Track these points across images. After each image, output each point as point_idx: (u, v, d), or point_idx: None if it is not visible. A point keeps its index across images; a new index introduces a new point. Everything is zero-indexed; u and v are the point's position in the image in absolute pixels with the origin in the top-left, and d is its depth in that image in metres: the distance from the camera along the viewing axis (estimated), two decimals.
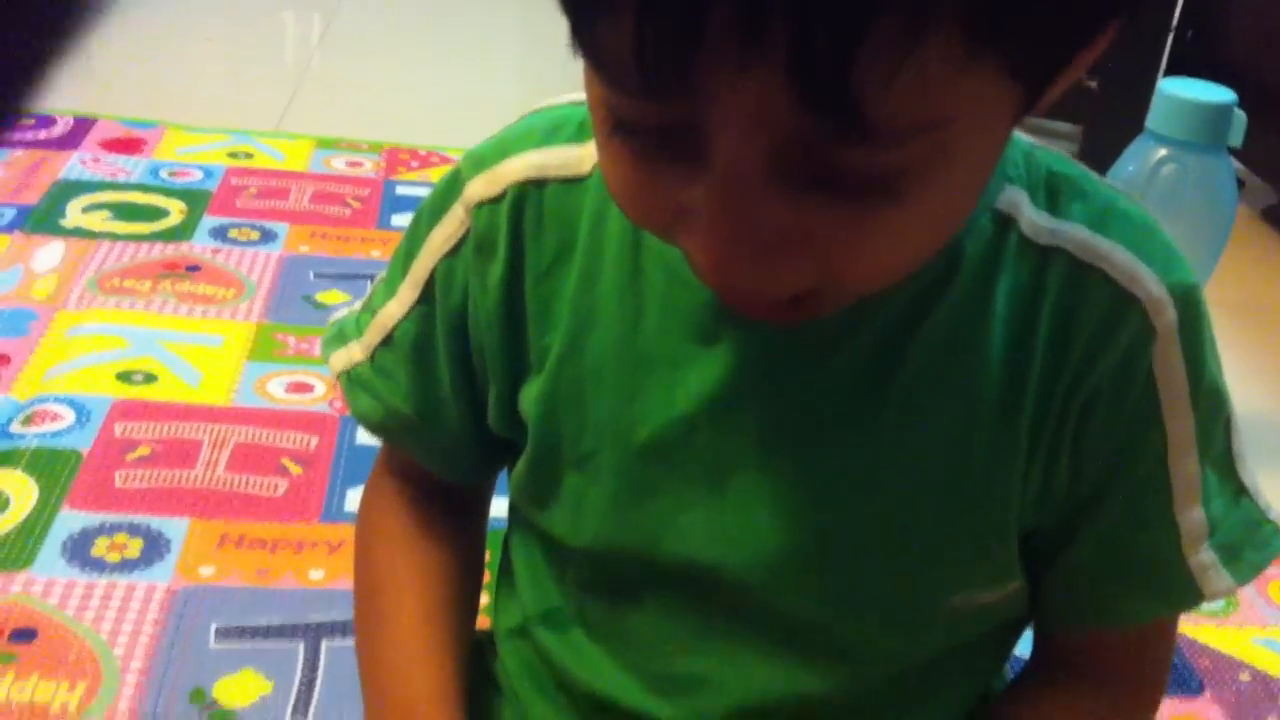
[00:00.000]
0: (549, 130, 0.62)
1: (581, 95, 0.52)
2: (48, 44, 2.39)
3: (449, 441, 0.69)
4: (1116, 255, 0.57)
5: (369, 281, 1.49)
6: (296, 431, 1.39)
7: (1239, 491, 0.62)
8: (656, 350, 0.61)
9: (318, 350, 1.53)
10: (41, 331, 1.50)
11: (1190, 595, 0.62)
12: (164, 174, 1.93)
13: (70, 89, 2.23)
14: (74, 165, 1.92)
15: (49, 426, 1.34)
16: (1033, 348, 0.57)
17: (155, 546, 1.19)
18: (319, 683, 1.06)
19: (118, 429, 1.35)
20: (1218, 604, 1.30)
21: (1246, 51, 2.18)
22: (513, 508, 0.72)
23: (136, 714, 1.01)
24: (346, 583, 1.17)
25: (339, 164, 2.05)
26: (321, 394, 1.46)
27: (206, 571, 1.17)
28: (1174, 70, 2.06)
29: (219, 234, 1.78)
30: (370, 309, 0.70)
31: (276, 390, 1.46)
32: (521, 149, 0.63)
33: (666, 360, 0.61)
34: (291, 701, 1.04)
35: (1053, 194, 0.58)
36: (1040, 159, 0.59)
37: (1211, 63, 2.09)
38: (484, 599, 0.77)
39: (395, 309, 0.68)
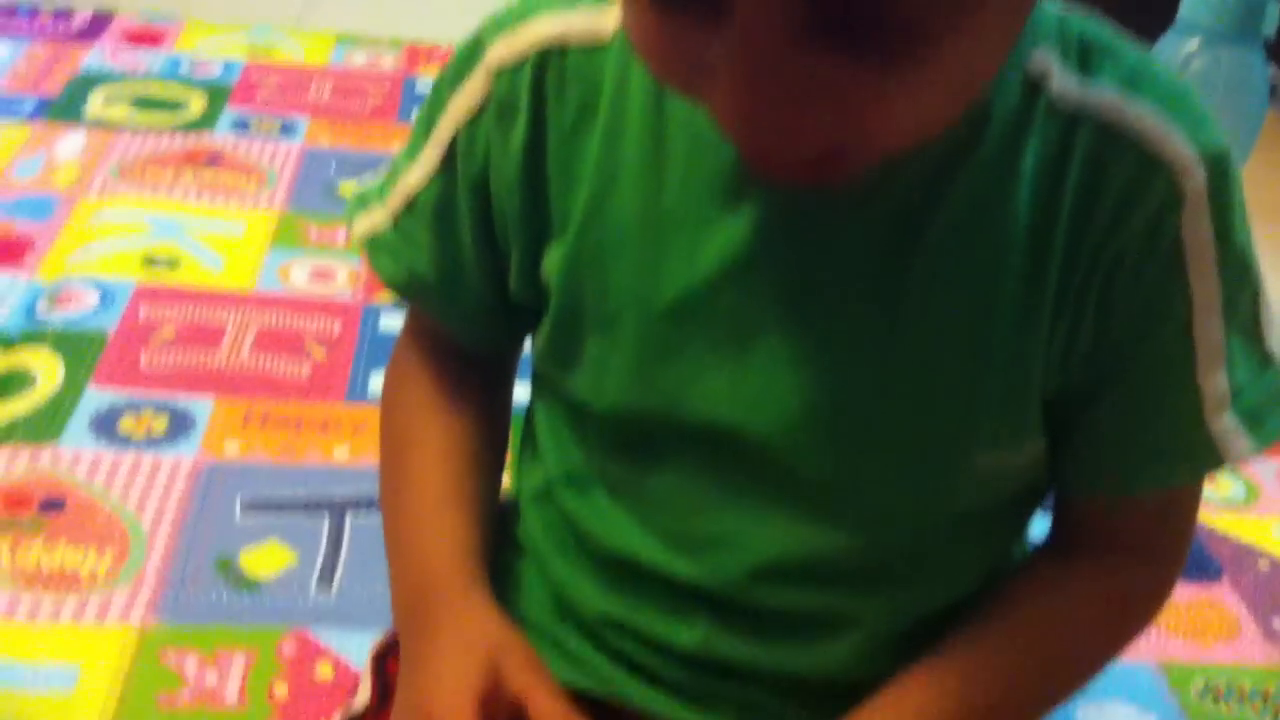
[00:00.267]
0: None
1: None
2: None
3: (471, 305, 0.70)
4: (1146, 118, 0.56)
5: None
6: (320, 316, 1.40)
7: (1265, 359, 0.62)
8: (680, 212, 0.61)
9: (340, 239, 1.54)
10: (64, 217, 1.51)
11: (1211, 459, 0.63)
12: (184, 67, 1.92)
13: None
14: (94, 57, 1.91)
15: (74, 309, 1.35)
16: (1059, 211, 0.57)
17: (181, 424, 1.21)
18: (343, 556, 1.08)
19: (142, 312, 1.36)
20: (1239, 494, 1.31)
21: None
22: (536, 373, 0.72)
23: (164, 582, 1.03)
24: (370, 461, 1.19)
25: (359, 60, 2.03)
26: (344, 281, 1.46)
27: (232, 448, 1.19)
28: None
29: (240, 126, 1.77)
30: (393, 175, 0.70)
31: (299, 277, 1.46)
32: (543, 12, 0.62)
33: (690, 222, 0.61)
34: (316, 573, 1.06)
35: (1084, 57, 0.58)
36: (1073, 23, 0.58)
37: None
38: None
39: (417, 174, 0.68)
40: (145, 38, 2.00)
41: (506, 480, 0.78)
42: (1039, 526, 0.71)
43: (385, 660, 0.76)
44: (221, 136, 1.73)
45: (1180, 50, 1.45)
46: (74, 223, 1.50)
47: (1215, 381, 0.61)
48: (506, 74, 0.62)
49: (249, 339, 1.34)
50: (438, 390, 0.75)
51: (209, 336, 1.33)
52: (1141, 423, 0.63)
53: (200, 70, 1.92)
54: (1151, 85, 0.57)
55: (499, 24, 0.63)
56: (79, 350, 1.28)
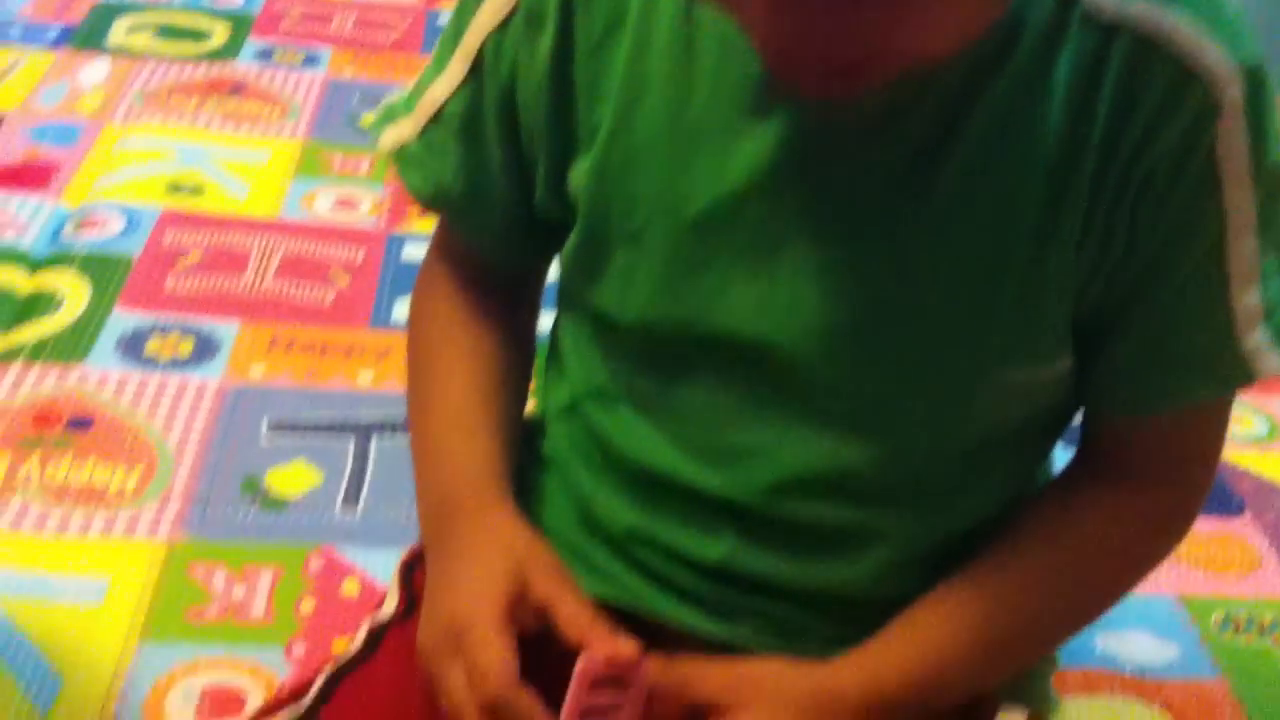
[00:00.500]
0: None
1: None
2: None
3: (498, 218, 0.70)
4: (1182, 29, 0.56)
5: None
6: (343, 244, 1.40)
7: None
8: (707, 124, 0.60)
9: (364, 169, 1.54)
10: (89, 144, 1.51)
11: (1240, 375, 0.62)
12: None
13: None
14: None
15: (99, 233, 1.35)
16: (1092, 124, 0.56)
17: (206, 347, 1.21)
18: (368, 477, 1.09)
19: (167, 236, 1.36)
20: (1262, 430, 1.30)
21: None
22: (562, 289, 0.73)
23: (191, 499, 1.04)
24: (395, 386, 1.20)
25: None
26: (367, 210, 1.46)
27: (257, 371, 1.19)
28: None
29: (263, 56, 1.77)
30: (419, 87, 0.70)
31: (323, 205, 1.46)
32: None
33: (717, 134, 0.60)
34: (341, 493, 1.07)
35: None
36: None
37: None
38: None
39: (444, 86, 0.67)
40: None
41: (530, 401, 0.78)
42: (1063, 456, 0.71)
43: (412, 571, 0.76)
44: (244, 66, 1.73)
45: None
46: (99, 149, 1.50)
47: (1247, 298, 0.60)
48: None
49: (273, 265, 1.34)
50: (465, 308, 0.76)
51: (234, 262, 1.34)
52: (1171, 339, 0.62)
53: (223, 0, 1.91)
54: None
55: None
56: (105, 273, 1.29)
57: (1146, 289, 0.61)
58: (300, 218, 1.43)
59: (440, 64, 0.68)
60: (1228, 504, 1.21)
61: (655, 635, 0.66)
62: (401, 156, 0.71)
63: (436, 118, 0.68)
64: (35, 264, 1.30)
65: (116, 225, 1.37)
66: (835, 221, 0.60)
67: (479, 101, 0.66)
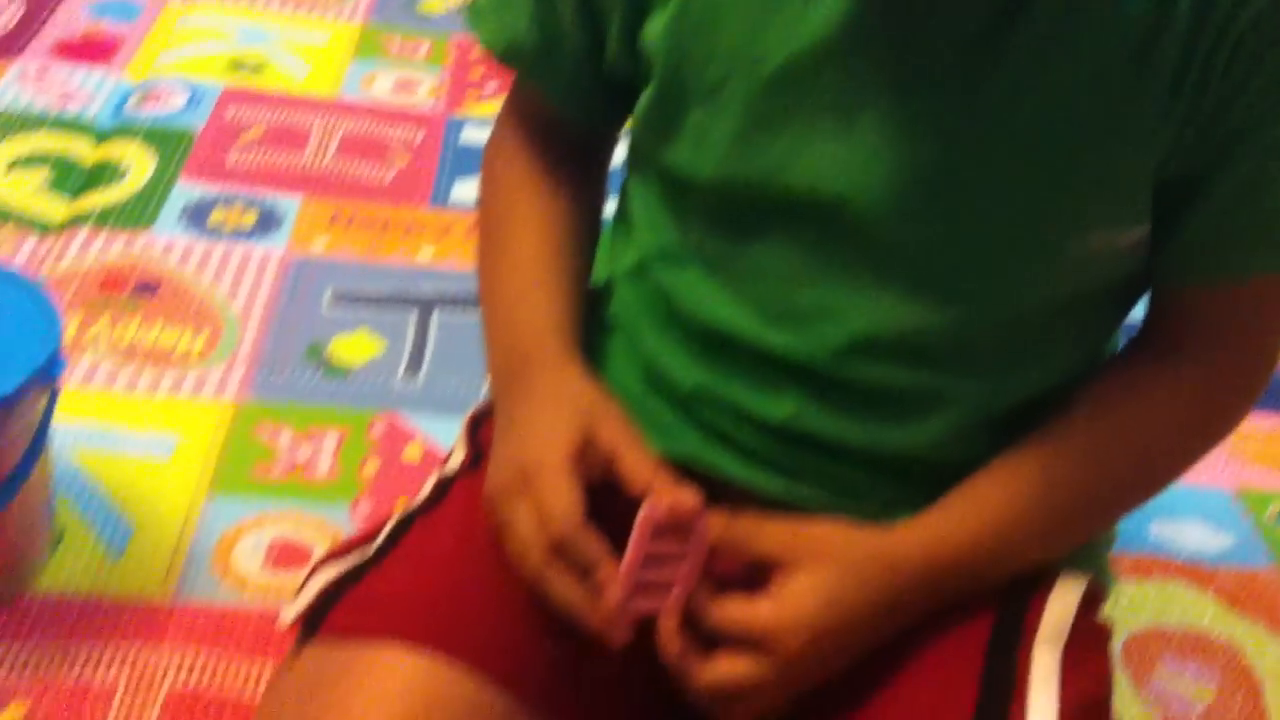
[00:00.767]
0: None
1: None
2: None
3: (570, 73, 0.70)
4: None
5: None
6: (403, 125, 1.40)
7: None
8: None
9: (422, 53, 1.53)
10: (150, 21, 1.51)
11: None
12: None
13: None
14: None
15: (162, 107, 1.36)
16: None
17: (269, 219, 1.22)
18: (429, 348, 1.10)
19: (229, 112, 1.37)
20: None
21: None
22: (633, 150, 0.72)
23: (256, 364, 1.05)
24: (455, 262, 1.21)
25: None
26: (426, 93, 1.46)
27: (319, 244, 1.20)
28: None
29: None
30: None
31: (382, 87, 1.46)
32: None
33: None
34: (403, 363, 1.08)
35: None
36: None
37: None
38: None
39: None
40: None
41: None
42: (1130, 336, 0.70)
43: (479, 426, 0.77)
44: None
45: None
46: (159, 27, 1.51)
47: None
48: None
49: (334, 143, 1.35)
50: (536, 169, 0.76)
51: (295, 139, 1.34)
52: (1250, 207, 0.62)
53: None
54: None
55: None
56: (169, 146, 1.30)
57: (1231, 154, 0.60)
58: (360, 98, 1.43)
59: None
60: None
61: (717, 493, 0.66)
62: (474, 10, 0.71)
63: None
64: (100, 135, 1.31)
65: (179, 100, 1.37)
66: (914, 80, 0.60)
67: None
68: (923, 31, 0.58)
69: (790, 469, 0.69)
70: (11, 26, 1.47)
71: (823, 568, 0.64)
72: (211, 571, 0.87)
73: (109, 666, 0.80)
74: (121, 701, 0.78)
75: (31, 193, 1.21)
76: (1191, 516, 1.03)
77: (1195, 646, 0.91)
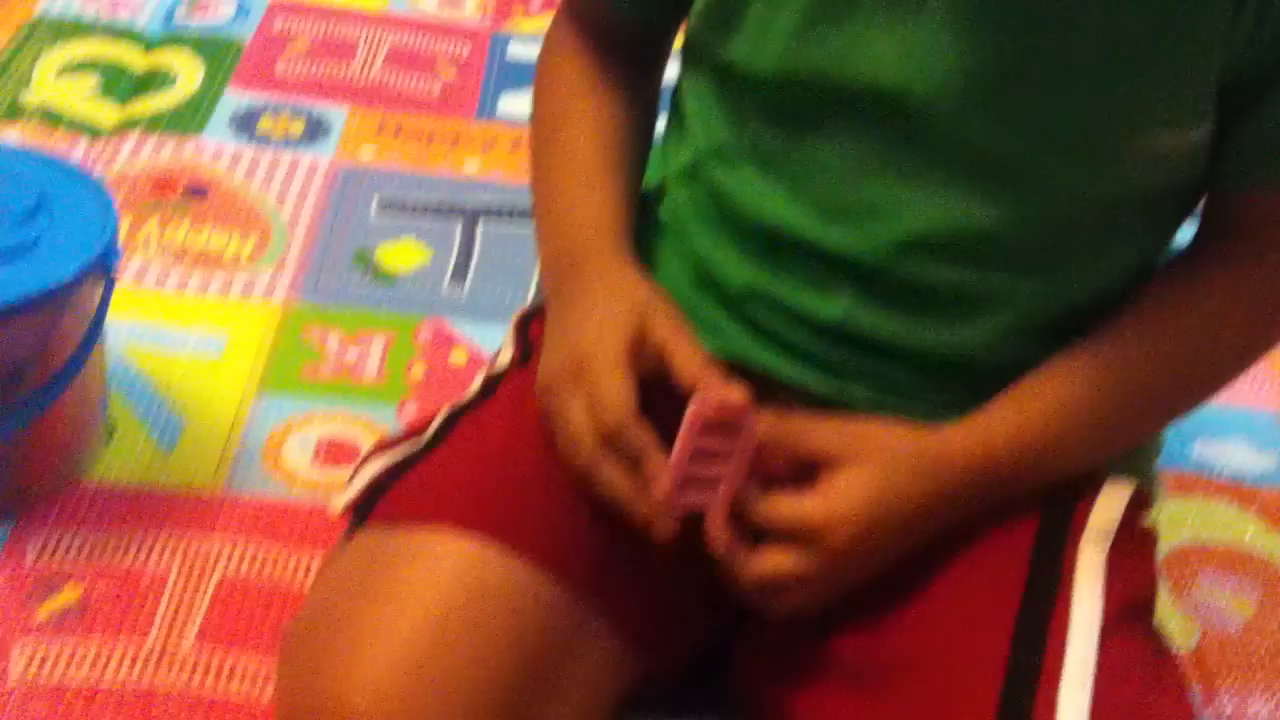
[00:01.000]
0: None
1: None
2: None
3: None
4: None
5: None
6: (449, 39, 1.39)
7: None
8: None
9: None
10: None
11: None
12: None
13: None
14: None
15: (211, 17, 1.36)
16: None
17: (317, 128, 1.23)
18: (475, 258, 1.10)
19: (276, 23, 1.37)
20: None
21: None
22: (689, 48, 0.72)
23: (304, 268, 1.06)
24: (501, 175, 1.21)
25: None
26: (473, 8, 1.45)
27: (367, 153, 1.20)
28: None
29: None
30: None
31: (429, 1, 1.45)
32: None
33: None
34: (449, 272, 1.09)
35: None
36: None
37: None
38: None
39: None
40: None
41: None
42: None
43: (528, 324, 0.78)
44: None
45: None
46: None
47: None
48: None
49: (380, 56, 1.35)
50: (591, 69, 0.76)
51: (342, 51, 1.34)
52: None
53: None
54: None
55: None
56: (217, 54, 1.30)
57: None
58: (407, 12, 1.43)
59: None
60: None
61: (766, 393, 0.67)
62: None
63: None
64: (150, 43, 1.31)
65: (227, 10, 1.38)
66: None
67: None
68: None
69: (840, 369, 0.69)
70: None
71: (871, 464, 0.64)
72: (261, 466, 0.88)
73: (161, 554, 0.81)
74: (174, 587, 0.79)
75: (82, 98, 1.21)
76: (1235, 437, 1.02)
77: (1236, 562, 0.91)
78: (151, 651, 0.75)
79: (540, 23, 1.38)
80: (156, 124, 1.19)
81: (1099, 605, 0.64)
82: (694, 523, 0.63)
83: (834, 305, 0.68)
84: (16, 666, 0.74)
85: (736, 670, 0.74)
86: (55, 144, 1.15)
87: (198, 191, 1.12)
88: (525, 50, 1.36)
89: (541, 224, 0.75)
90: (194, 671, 0.75)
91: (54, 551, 0.80)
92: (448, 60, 1.36)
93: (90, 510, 0.83)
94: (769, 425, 0.64)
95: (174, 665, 0.75)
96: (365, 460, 0.75)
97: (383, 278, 1.07)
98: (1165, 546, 0.91)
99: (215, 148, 1.18)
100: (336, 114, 1.25)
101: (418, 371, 0.98)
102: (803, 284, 0.68)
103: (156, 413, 0.91)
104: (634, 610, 0.68)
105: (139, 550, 0.81)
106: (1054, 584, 0.65)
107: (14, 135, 1.16)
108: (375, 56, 1.34)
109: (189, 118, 1.21)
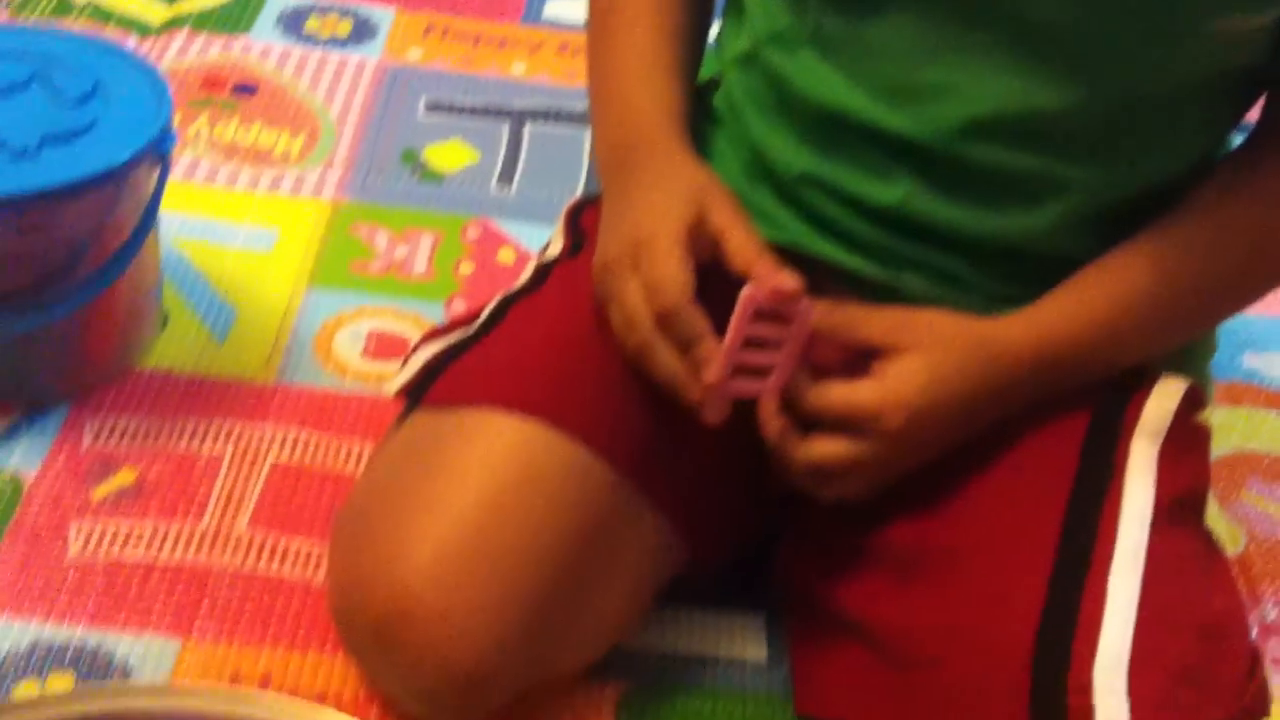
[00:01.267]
0: None
1: None
2: None
3: None
4: None
5: None
6: None
7: None
8: None
9: None
10: None
11: None
12: None
13: None
14: None
15: None
16: None
17: (364, 28, 1.22)
18: (522, 159, 1.10)
19: None
20: None
21: None
22: None
23: (353, 166, 1.06)
24: (547, 78, 1.20)
25: None
26: None
27: (414, 55, 1.20)
28: None
29: None
30: None
31: None
32: None
33: None
34: (496, 172, 1.08)
35: None
36: None
37: None
38: None
39: None
40: None
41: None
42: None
43: (579, 214, 0.78)
44: None
45: None
46: None
47: None
48: None
49: None
50: None
51: None
52: None
53: None
54: None
55: None
56: None
57: None
58: None
59: None
60: None
61: (821, 283, 0.67)
62: None
63: None
64: None
65: None
66: None
67: None
68: None
69: (896, 257, 0.68)
70: None
71: (927, 351, 0.64)
72: (312, 358, 0.89)
73: (215, 440, 0.82)
74: (228, 471, 0.80)
75: None
76: None
77: None
78: (206, 532, 0.77)
79: None
80: (204, 22, 1.19)
81: (1150, 497, 0.64)
82: (745, 411, 0.64)
83: (892, 190, 0.67)
84: (75, 543, 0.75)
85: (780, 562, 0.75)
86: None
87: (246, 89, 1.12)
88: None
89: (598, 113, 0.74)
90: (248, 552, 0.76)
91: (110, 435, 0.82)
92: None
93: (145, 396, 0.84)
94: (823, 313, 0.64)
95: (228, 546, 0.76)
96: (418, 346, 0.76)
97: (430, 177, 1.07)
98: (1213, 454, 0.91)
99: (263, 47, 1.17)
100: (383, 15, 1.24)
101: (466, 269, 0.98)
102: (861, 169, 0.68)
103: (209, 304, 0.92)
104: (681, 496, 0.68)
105: (193, 436, 0.82)
106: (1106, 476, 0.65)
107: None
108: None
109: (236, 17, 1.20)
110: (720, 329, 0.62)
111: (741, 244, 0.64)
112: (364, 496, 0.68)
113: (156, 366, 0.87)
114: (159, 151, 0.78)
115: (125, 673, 0.69)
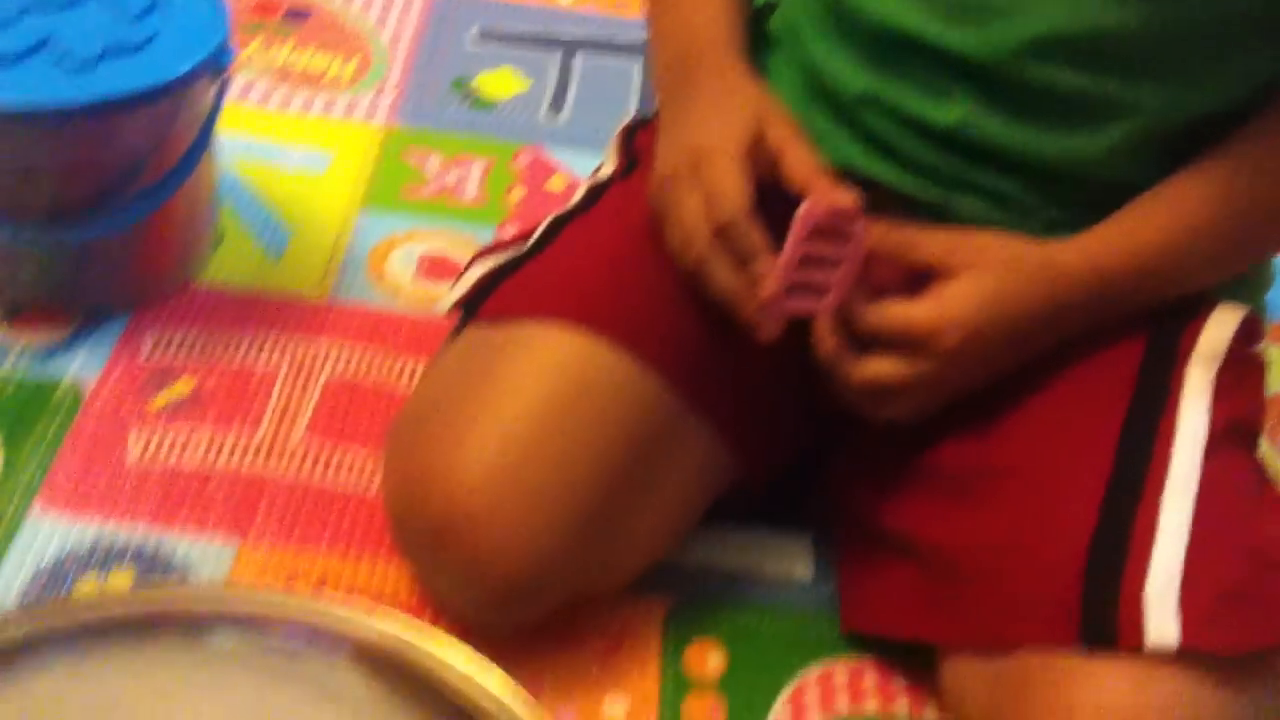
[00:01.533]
0: None
1: None
2: None
3: None
4: None
5: None
6: None
7: None
8: None
9: None
10: None
11: None
12: None
13: None
14: None
15: None
16: None
17: None
18: (572, 89, 1.10)
19: None
20: None
21: None
22: None
23: (404, 93, 1.06)
24: (597, 8, 1.20)
25: None
26: None
27: None
28: None
29: None
30: None
31: None
32: None
33: None
34: (546, 101, 1.09)
35: None
36: None
37: None
38: None
39: None
40: None
41: None
42: None
43: (633, 135, 0.78)
44: None
45: None
46: None
47: None
48: None
49: None
50: None
51: None
52: None
53: None
54: None
55: None
56: None
57: None
58: None
59: None
60: None
61: (877, 206, 0.66)
62: None
63: None
64: None
65: None
66: None
67: None
68: None
69: (952, 179, 0.68)
70: None
71: (984, 272, 0.64)
72: (366, 277, 0.90)
73: (270, 353, 0.83)
74: (283, 385, 0.81)
75: None
76: None
77: None
78: (262, 442, 0.78)
79: None
80: None
81: (1205, 422, 0.64)
82: (798, 329, 0.64)
83: (950, 110, 0.67)
84: (134, 450, 0.76)
85: (829, 481, 0.75)
86: None
87: (299, 14, 1.13)
88: None
89: (657, 29, 0.74)
90: (303, 462, 0.77)
91: (168, 346, 0.83)
92: None
93: (202, 310, 0.85)
94: (880, 233, 0.64)
95: (284, 455, 0.77)
96: (471, 264, 0.76)
97: (481, 104, 1.07)
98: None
99: None
100: None
101: (516, 195, 0.99)
102: (919, 88, 0.67)
103: (263, 223, 0.93)
104: (733, 411, 0.69)
105: (249, 350, 0.83)
106: (1160, 400, 0.65)
107: None
108: None
109: None
110: (778, 247, 0.62)
111: (800, 161, 0.64)
112: (419, 405, 0.69)
113: (213, 281, 0.88)
114: (217, 66, 0.79)
115: (184, 571, 0.70)
